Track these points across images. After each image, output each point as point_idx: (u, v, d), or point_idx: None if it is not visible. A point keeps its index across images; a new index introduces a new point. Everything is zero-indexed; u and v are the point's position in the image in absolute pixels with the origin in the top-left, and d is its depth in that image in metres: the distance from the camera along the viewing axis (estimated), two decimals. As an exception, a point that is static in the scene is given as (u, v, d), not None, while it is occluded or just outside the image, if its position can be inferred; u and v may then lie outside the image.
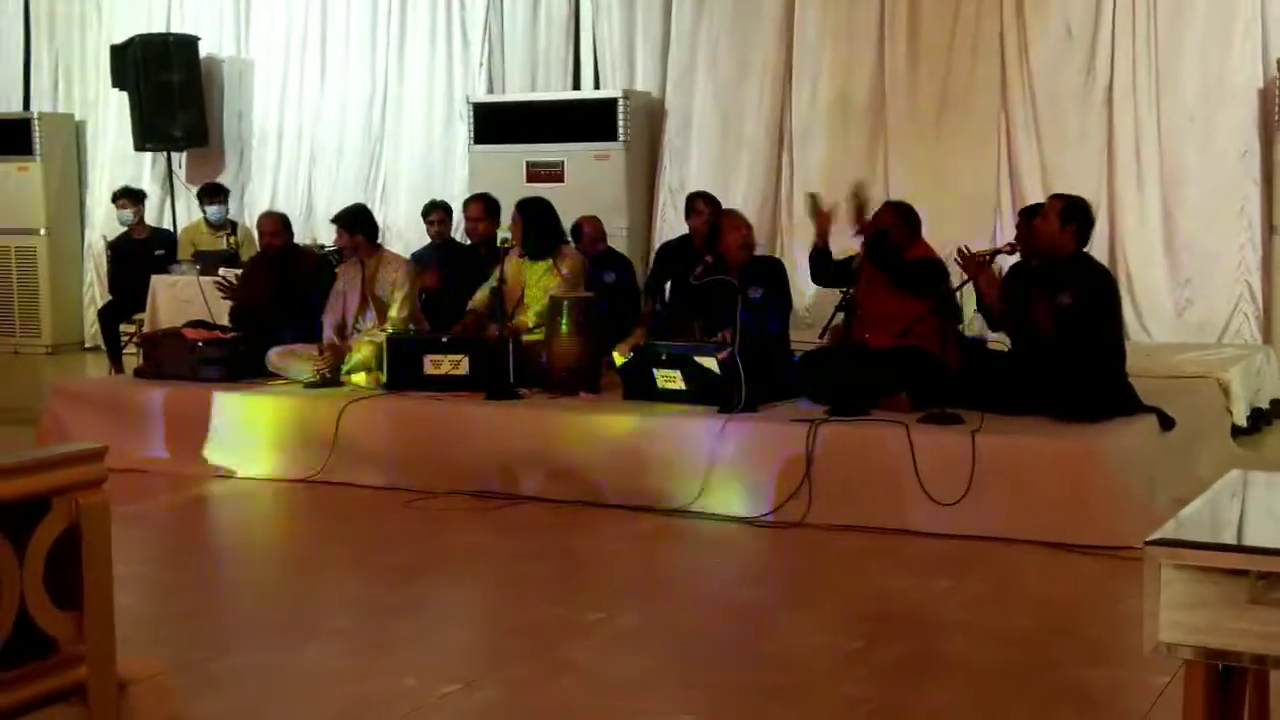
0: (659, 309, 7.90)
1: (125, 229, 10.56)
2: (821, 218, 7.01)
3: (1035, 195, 8.62)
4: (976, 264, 6.31)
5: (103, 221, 12.26)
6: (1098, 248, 8.65)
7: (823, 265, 7.06)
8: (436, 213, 9.22)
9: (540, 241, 7.58)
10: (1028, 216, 6.93)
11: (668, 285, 8.31)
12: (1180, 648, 2.36)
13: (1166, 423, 6.28)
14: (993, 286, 6.40)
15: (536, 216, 7.60)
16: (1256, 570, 2.33)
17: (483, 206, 8.52)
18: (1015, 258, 6.80)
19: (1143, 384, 6.45)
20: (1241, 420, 7.66)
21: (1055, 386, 6.09)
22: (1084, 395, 6.06)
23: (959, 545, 5.64)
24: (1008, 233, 8.75)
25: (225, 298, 8.40)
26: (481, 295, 7.61)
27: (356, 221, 7.88)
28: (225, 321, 8.55)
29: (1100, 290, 6.31)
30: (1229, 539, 2.52)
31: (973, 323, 7.61)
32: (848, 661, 4.39)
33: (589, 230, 8.52)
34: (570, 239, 8.02)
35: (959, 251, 6.34)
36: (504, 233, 7.41)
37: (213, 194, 10.54)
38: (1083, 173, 8.96)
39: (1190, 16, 8.90)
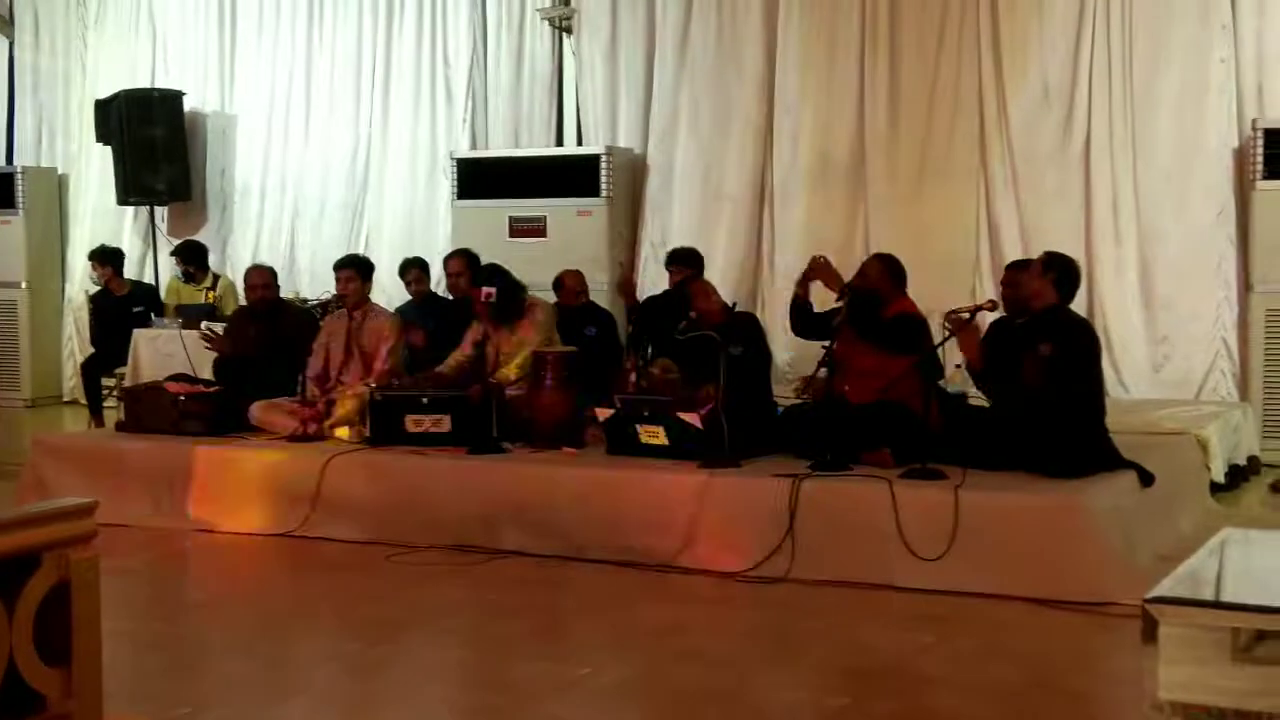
0: (640, 365, 7.90)
1: (100, 286, 10.57)
2: (808, 278, 7.05)
3: (1014, 253, 8.69)
4: (959, 322, 6.35)
5: (83, 276, 12.25)
6: (1076, 304, 8.69)
7: (802, 318, 7.12)
8: (413, 271, 9.17)
9: (518, 303, 7.60)
10: (1012, 272, 7.00)
11: (649, 346, 8.35)
12: (1177, 705, 2.37)
13: (1146, 479, 6.31)
14: (973, 344, 6.44)
15: (511, 281, 7.60)
16: (1241, 627, 2.34)
17: (463, 262, 8.54)
18: (997, 314, 6.85)
19: (1121, 440, 6.48)
20: (1220, 477, 7.70)
21: (1037, 442, 6.13)
22: (1065, 451, 6.09)
23: (942, 601, 5.65)
24: (987, 290, 8.85)
25: (210, 348, 8.39)
26: (451, 362, 7.62)
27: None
28: (207, 375, 8.55)
29: (1081, 341, 6.37)
30: (1212, 595, 2.53)
31: (955, 378, 7.65)
32: (833, 718, 4.38)
33: (570, 283, 8.56)
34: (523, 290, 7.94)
35: (945, 317, 6.37)
36: (488, 290, 7.39)
37: (175, 253, 10.58)
38: (1061, 230, 9.03)
39: (1166, 76, 9.01)
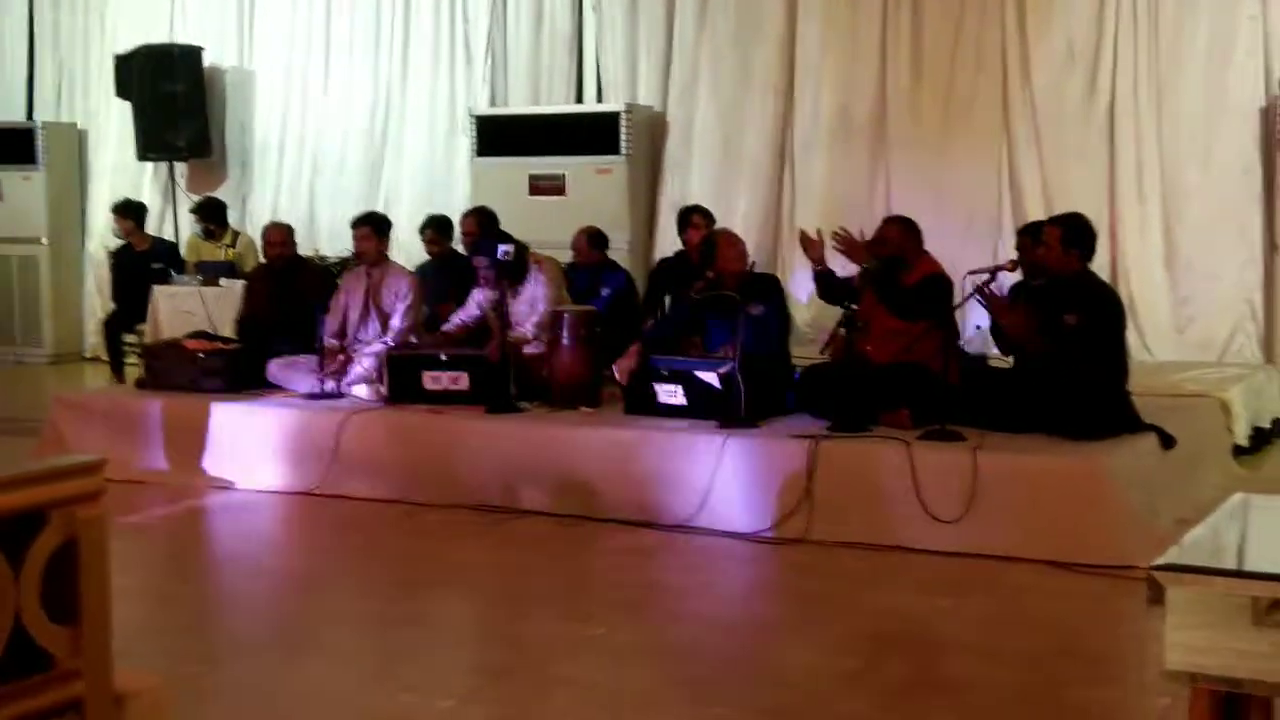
0: (655, 325, 7.87)
1: (126, 241, 10.56)
2: (812, 246, 6.99)
3: (1037, 212, 8.61)
4: (997, 302, 6.31)
5: (103, 231, 12.26)
6: (1099, 265, 8.59)
7: (827, 286, 7.05)
8: (431, 230, 9.08)
9: (523, 263, 7.55)
10: (1028, 234, 6.93)
11: (666, 300, 8.31)
12: (1186, 674, 2.34)
13: (1167, 441, 6.27)
14: (1017, 318, 6.35)
15: (513, 243, 7.53)
16: (1258, 595, 2.31)
17: (474, 221, 8.49)
18: (1016, 275, 6.79)
19: (1143, 402, 6.44)
20: (1243, 439, 7.64)
21: (1057, 404, 6.08)
22: (1086, 413, 6.05)
23: (960, 563, 5.62)
24: (1009, 249, 8.76)
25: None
26: (454, 324, 7.66)
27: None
28: (227, 332, 8.55)
29: (1107, 309, 6.30)
30: (1231, 564, 2.50)
31: (974, 339, 7.60)
32: (847, 681, 4.37)
33: (588, 242, 8.50)
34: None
35: (974, 287, 6.29)
36: (505, 247, 7.34)
37: (193, 210, 10.58)
38: (1084, 190, 8.94)
39: (1192, 35, 8.90)
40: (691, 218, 8.35)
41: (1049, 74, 9.25)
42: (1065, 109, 9.23)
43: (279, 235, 8.42)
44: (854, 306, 6.58)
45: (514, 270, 7.43)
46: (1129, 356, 6.56)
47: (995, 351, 7.09)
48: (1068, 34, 9.19)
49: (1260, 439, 7.93)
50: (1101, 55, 9.10)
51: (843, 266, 7.10)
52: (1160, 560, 2.37)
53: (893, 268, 6.63)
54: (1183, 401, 7.26)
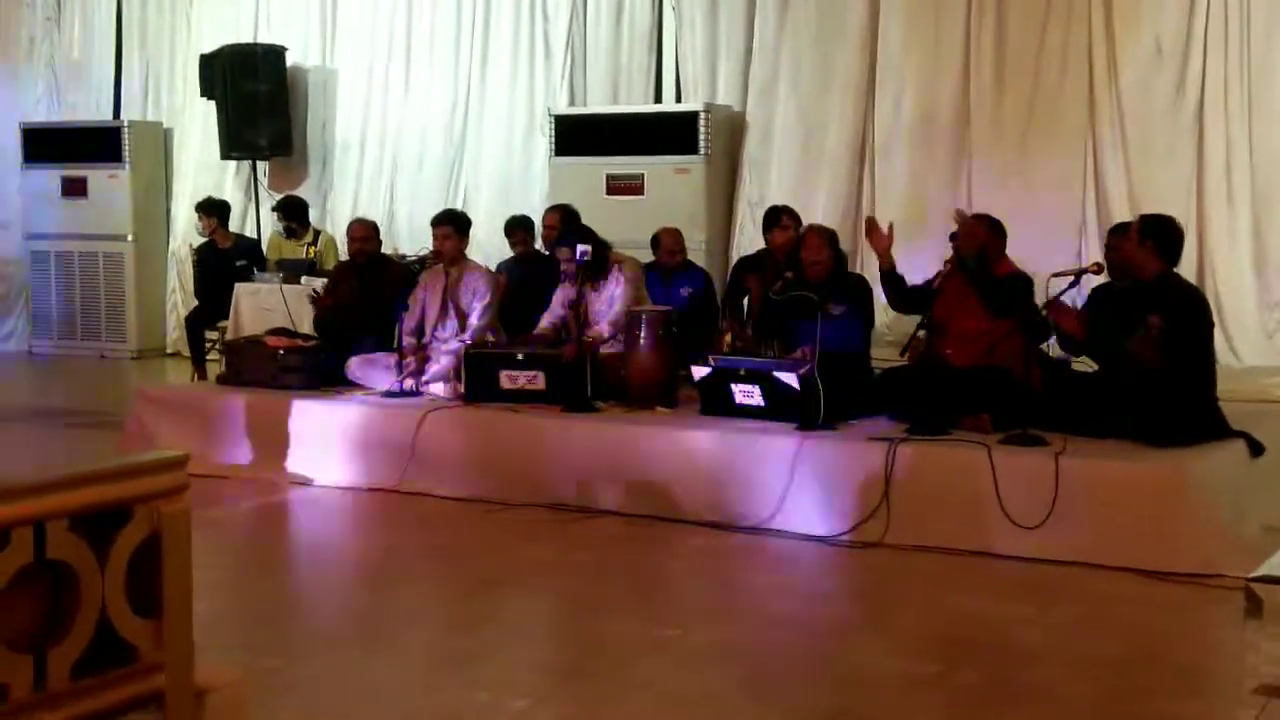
0: (736, 325, 7.82)
1: (205, 238, 10.70)
2: (878, 238, 6.90)
3: (1122, 214, 8.49)
4: (1056, 305, 6.22)
5: (186, 229, 12.44)
6: (1186, 268, 8.46)
7: (893, 289, 6.95)
8: (519, 231, 9.16)
9: (604, 261, 7.54)
10: (1117, 235, 6.82)
11: (746, 300, 8.26)
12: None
13: (1256, 448, 6.14)
14: (1071, 319, 6.28)
15: (594, 238, 7.52)
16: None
17: (558, 216, 8.53)
18: (1102, 278, 6.68)
19: (1231, 408, 6.31)
20: (1333, 447, 7.47)
21: (1142, 409, 5.97)
22: (1171, 419, 5.93)
23: (1041, 570, 5.54)
24: (1093, 252, 8.64)
25: (315, 305, 8.42)
26: (546, 323, 7.61)
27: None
28: (307, 329, 8.63)
29: (1193, 311, 6.17)
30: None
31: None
32: (924, 686, 4.32)
33: (667, 241, 8.50)
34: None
35: (1050, 279, 6.22)
36: (583, 248, 7.34)
37: (275, 209, 10.67)
38: (1171, 192, 8.82)
39: (1284, 34, 8.74)
40: (780, 218, 8.29)
41: (1136, 73, 9.12)
42: (1152, 109, 9.09)
43: (364, 230, 8.49)
44: (931, 308, 6.50)
45: (594, 268, 7.42)
46: (1216, 360, 6.43)
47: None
48: (1156, 32, 9.06)
49: (1352, 447, 7.75)
50: (1191, 54, 8.97)
51: (908, 269, 7.01)
52: (1259, 571, 2.31)
53: (982, 261, 6.54)
54: (1272, 408, 7.15)
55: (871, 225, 6.99)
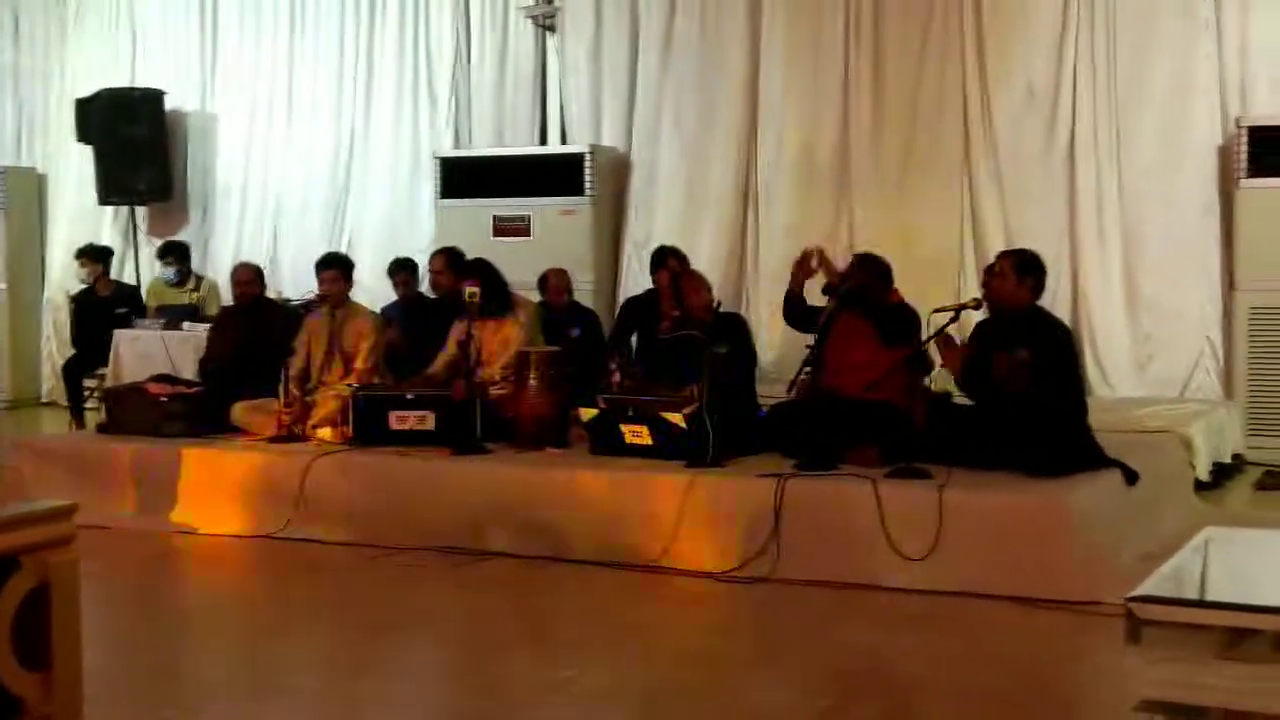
0: (624, 364, 7.87)
1: (86, 285, 10.50)
2: (805, 271, 7.07)
3: (998, 252, 8.66)
4: (940, 336, 6.37)
5: (61, 276, 12.20)
6: (1061, 303, 8.74)
7: (796, 310, 7.12)
8: (401, 274, 9.14)
9: (503, 298, 7.58)
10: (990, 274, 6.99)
11: (633, 340, 8.33)
12: (1159, 704, 2.36)
13: (1131, 477, 6.31)
14: (954, 355, 6.45)
15: (495, 276, 7.58)
16: (1224, 626, 2.33)
17: (445, 259, 8.50)
18: (982, 313, 6.84)
19: (1106, 439, 6.47)
20: (1204, 475, 7.70)
21: (1020, 441, 6.11)
22: (1049, 449, 6.08)
23: (928, 601, 5.63)
24: (971, 289, 8.83)
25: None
26: (439, 363, 7.59)
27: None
28: (189, 375, 8.50)
29: (1058, 343, 6.37)
30: (1196, 594, 2.52)
31: (938, 377, 7.65)
32: (818, 719, 4.36)
33: (554, 282, 8.54)
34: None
35: (930, 315, 6.36)
36: (472, 288, 7.35)
37: (164, 254, 10.53)
38: (1045, 229, 9.04)
39: (1150, 75, 9.01)
40: (666, 259, 8.38)
41: (1009, 113, 9.35)
42: (1025, 149, 9.33)
43: (248, 274, 8.41)
44: (820, 343, 6.62)
45: (492, 307, 7.43)
46: (1087, 391, 6.60)
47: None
48: (1028, 74, 9.30)
49: (1220, 474, 8.00)
50: (1061, 94, 9.21)
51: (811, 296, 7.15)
52: (1137, 592, 2.39)
53: (865, 293, 6.69)
54: (1145, 437, 7.32)
55: (807, 259, 7.09)
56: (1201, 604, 2.39)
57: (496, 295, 7.53)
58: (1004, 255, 6.65)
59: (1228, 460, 8.16)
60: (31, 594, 2.32)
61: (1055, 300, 8.28)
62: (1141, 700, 2.35)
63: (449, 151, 10.82)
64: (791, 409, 6.78)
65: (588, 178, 10.09)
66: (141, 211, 12.08)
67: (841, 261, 7.14)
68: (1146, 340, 9.03)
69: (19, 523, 2.32)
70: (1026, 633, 5.32)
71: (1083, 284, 9.13)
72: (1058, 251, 8.85)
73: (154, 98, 11.80)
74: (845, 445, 6.36)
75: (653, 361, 7.44)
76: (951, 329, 6.57)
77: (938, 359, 6.67)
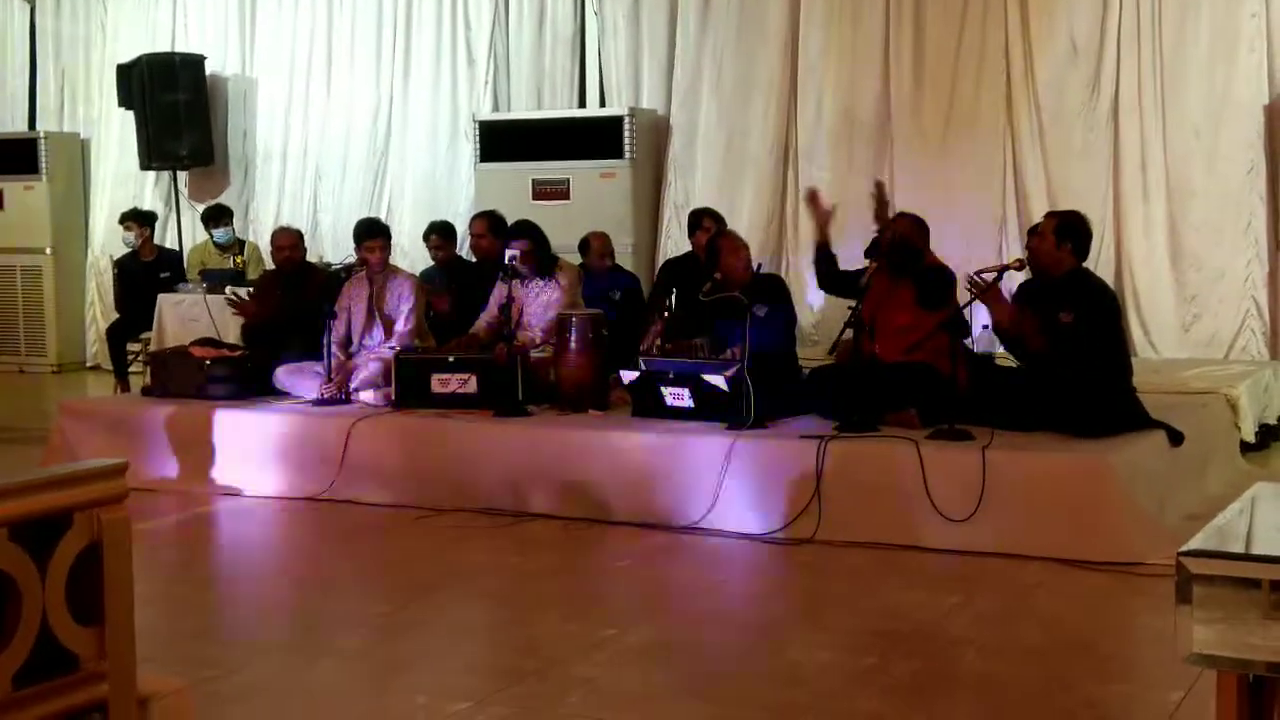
0: (664, 327, 7.87)
1: (132, 249, 10.57)
2: (820, 214, 7.05)
3: (1041, 211, 8.58)
4: (981, 287, 6.30)
5: (104, 240, 12.28)
6: (1104, 264, 8.67)
7: (826, 265, 7.10)
8: (435, 236, 9.10)
9: (548, 260, 7.61)
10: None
11: (672, 300, 8.33)
12: (1212, 659, 2.35)
13: (1175, 438, 6.27)
14: (1003, 308, 6.37)
15: (540, 237, 7.61)
16: (1274, 580, 2.32)
17: (486, 223, 8.51)
18: (1024, 274, 6.79)
19: (1150, 400, 6.45)
20: (1250, 436, 7.65)
21: (1064, 402, 6.09)
22: (1092, 411, 6.05)
23: (970, 561, 5.63)
24: (1013, 249, 8.78)
25: (236, 314, 8.41)
26: (481, 326, 7.62)
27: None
28: (233, 339, 8.56)
29: (1100, 306, 6.31)
30: (1242, 549, 2.51)
31: (980, 338, 7.61)
32: (860, 678, 4.38)
33: (596, 245, 8.54)
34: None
35: (969, 279, 6.30)
36: (512, 252, 7.38)
37: (217, 217, 10.58)
38: (1088, 188, 8.97)
39: (1195, 32, 8.91)
40: (702, 220, 8.37)
41: (1052, 71, 9.26)
42: (1068, 107, 9.24)
43: (289, 240, 8.43)
44: (859, 306, 6.59)
45: (536, 269, 7.46)
46: (1130, 353, 6.56)
47: (1002, 350, 7.08)
48: (1070, 32, 9.20)
49: (1267, 435, 7.94)
50: (1105, 52, 9.12)
51: (846, 256, 7.11)
52: (1188, 546, 2.38)
53: (906, 247, 6.65)
54: (1190, 399, 7.28)
55: (813, 196, 7.10)
56: (1257, 558, 2.37)
57: (542, 258, 7.55)
58: (1049, 215, 6.60)
59: (1274, 422, 8.10)
60: (85, 551, 2.35)
61: (1099, 261, 8.21)
62: (1193, 653, 2.34)
63: (488, 115, 10.81)
64: (832, 371, 6.77)
65: (627, 140, 10.07)
66: (183, 176, 12.14)
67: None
68: (1191, 301, 8.96)
69: (72, 480, 2.34)
70: (1069, 593, 5.31)
71: (1126, 244, 9.06)
72: (1100, 211, 8.78)
73: (194, 62, 11.84)
74: (886, 408, 6.34)
75: (693, 323, 7.43)
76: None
77: (984, 318, 6.63)
